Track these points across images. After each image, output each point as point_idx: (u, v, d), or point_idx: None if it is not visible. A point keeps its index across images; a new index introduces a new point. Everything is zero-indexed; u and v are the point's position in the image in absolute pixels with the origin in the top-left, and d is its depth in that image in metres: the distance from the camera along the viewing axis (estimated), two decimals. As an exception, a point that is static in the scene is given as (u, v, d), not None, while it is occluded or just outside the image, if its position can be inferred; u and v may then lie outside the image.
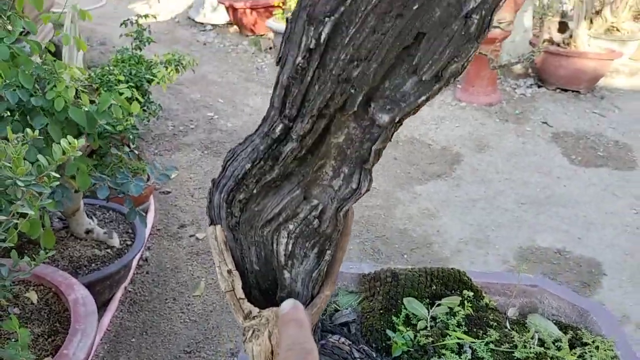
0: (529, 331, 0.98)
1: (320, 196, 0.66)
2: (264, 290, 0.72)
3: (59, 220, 2.29)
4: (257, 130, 0.64)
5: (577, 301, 1.04)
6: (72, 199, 2.15)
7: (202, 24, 6.17)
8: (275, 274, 0.70)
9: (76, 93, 1.95)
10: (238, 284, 0.67)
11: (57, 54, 2.21)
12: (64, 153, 1.09)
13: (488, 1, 0.51)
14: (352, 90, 0.58)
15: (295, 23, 0.56)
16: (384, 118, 0.58)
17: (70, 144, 1.09)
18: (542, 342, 0.94)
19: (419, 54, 0.55)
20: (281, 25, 5.01)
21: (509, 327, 1.01)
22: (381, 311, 1.00)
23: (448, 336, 0.93)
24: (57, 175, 1.10)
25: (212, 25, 6.11)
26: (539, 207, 3.12)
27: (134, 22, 2.96)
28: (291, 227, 0.67)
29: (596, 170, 3.54)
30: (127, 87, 2.07)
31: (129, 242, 2.20)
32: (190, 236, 2.72)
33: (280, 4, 5.31)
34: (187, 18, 6.42)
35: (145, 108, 2.77)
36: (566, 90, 4.58)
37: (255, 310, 0.66)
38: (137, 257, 2.27)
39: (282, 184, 0.66)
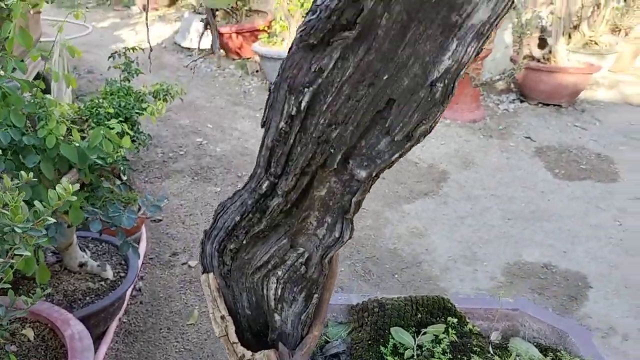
0: (510, 355, 1.02)
1: (306, 244, 0.71)
2: (255, 332, 0.76)
3: (53, 254, 2.31)
4: (245, 186, 0.69)
5: (556, 323, 1.09)
6: (65, 234, 2.17)
7: (188, 49, 6.24)
8: (266, 317, 0.74)
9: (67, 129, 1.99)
10: (231, 329, 0.72)
11: (46, 87, 2.25)
12: (59, 198, 1.13)
13: (450, 71, 0.57)
14: (332, 150, 0.63)
15: (277, 92, 0.61)
16: (362, 173, 0.63)
17: (65, 189, 1.13)
18: (524, 367, 0.99)
19: (390, 117, 0.60)
20: (267, 49, 5.09)
21: (491, 352, 1.05)
22: (369, 342, 1.04)
23: (434, 363, 0.98)
24: (53, 220, 1.14)
25: (199, 50, 6.18)
26: (524, 222, 3.19)
27: (121, 54, 3.01)
28: (280, 273, 0.71)
29: (579, 183, 3.62)
30: (118, 122, 2.11)
31: (122, 274, 2.23)
32: (183, 264, 2.75)
33: (266, 28, 5.39)
34: (173, 43, 6.50)
35: (134, 138, 2.81)
36: (548, 105, 4.69)
37: (249, 354, 0.71)
38: (131, 288, 2.29)
39: (270, 234, 0.71)
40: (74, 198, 1.15)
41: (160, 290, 2.54)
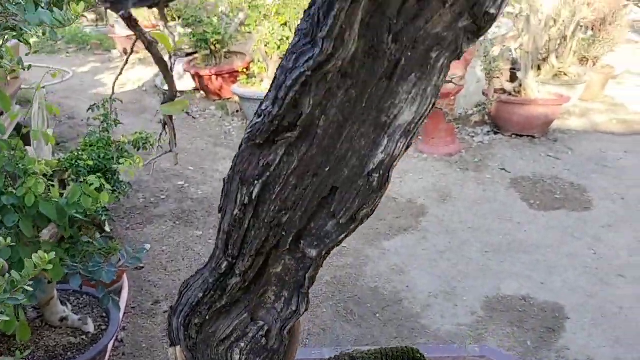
0: (476, 404, 1.07)
1: (265, 318, 0.75)
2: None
3: (33, 310, 2.31)
4: (206, 265, 0.74)
5: (521, 369, 1.14)
6: (46, 290, 2.19)
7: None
8: (232, 386, 0.78)
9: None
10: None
11: (26, 136, 2.28)
12: (35, 267, 1.17)
13: (384, 163, 0.64)
14: (283, 233, 0.68)
15: (230, 184, 0.67)
16: (313, 252, 0.68)
17: (41, 258, 1.17)
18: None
19: (334, 203, 0.66)
20: (246, 90, 5.19)
21: (459, 400, 1.10)
22: (341, 397, 1.08)
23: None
24: (30, 289, 1.17)
25: (180, 92, 6.25)
26: (502, 255, 3.25)
27: (99, 106, 3.07)
28: (242, 345, 0.76)
29: (554, 213, 3.71)
30: (96, 178, 2.14)
31: (103, 327, 2.24)
32: (165, 312, 2.75)
33: (244, 70, 5.50)
34: (154, 86, 6.57)
35: (115, 188, 2.85)
36: (521, 136, 4.82)
37: (215, 423, 0.74)
38: (112, 341, 2.29)
39: (232, 309, 0.76)
40: (50, 266, 1.18)
41: (143, 341, 2.54)
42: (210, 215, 3.75)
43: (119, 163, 2.79)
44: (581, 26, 5.95)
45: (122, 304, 2.64)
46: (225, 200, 0.69)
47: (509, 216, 3.68)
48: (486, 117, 5.11)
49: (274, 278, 0.71)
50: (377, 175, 0.64)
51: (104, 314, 2.31)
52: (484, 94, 4.97)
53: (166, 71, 0.92)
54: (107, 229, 2.50)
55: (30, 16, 1.19)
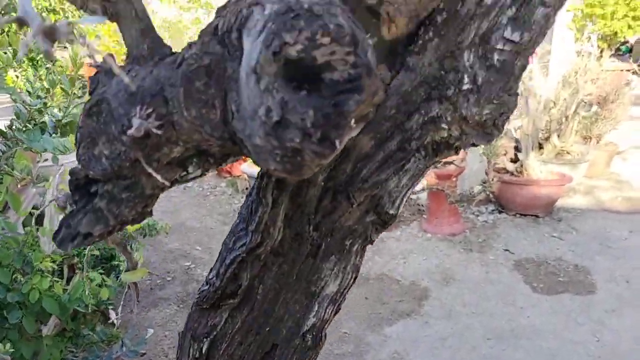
0: None
1: None
2: None
3: (32, 401, 2.35)
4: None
5: None
6: (45, 382, 2.23)
7: (182, 169, 6.54)
8: None
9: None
10: None
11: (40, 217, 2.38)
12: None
13: (316, 326, 0.72)
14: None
15: (184, 339, 0.76)
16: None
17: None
18: None
19: (275, 358, 0.74)
20: (254, 170, 5.36)
21: None
22: None
23: None
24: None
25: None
26: (504, 341, 3.22)
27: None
28: None
29: (558, 297, 3.69)
30: (98, 273, 2.24)
31: (100, 420, 2.26)
32: (164, 401, 2.76)
33: (253, 150, 5.70)
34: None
35: (118, 277, 2.94)
36: (525, 215, 4.86)
37: None
38: None
39: None
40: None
41: None
42: (214, 297, 3.79)
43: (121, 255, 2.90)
44: (585, 102, 6.11)
45: (121, 393, 2.66)
46: (179, 353, 0.78)
47: (512, 300, 3.67)
48: (490, 196, 5.18)
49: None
50: (311, 335, 0.73)
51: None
52: (486, 173, 5.07)
53: (124, 250, 1.02)
54: (113, 315, 2.57)
55: (35, 143, 1.32)
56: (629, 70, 9.97)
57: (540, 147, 5.39)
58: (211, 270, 0.77)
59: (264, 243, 0.71)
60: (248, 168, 5.46)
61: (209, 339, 0.74)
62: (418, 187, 4.73)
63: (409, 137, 0.67)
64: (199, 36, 0.53)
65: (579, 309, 3.55)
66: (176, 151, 0.59)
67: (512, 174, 4.90)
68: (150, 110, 0.53)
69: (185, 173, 0.63)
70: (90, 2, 0.61)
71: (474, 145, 0.70)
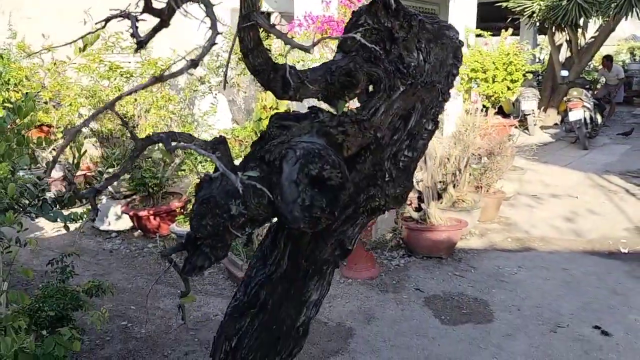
0: None
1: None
2: None
3: None
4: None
5: None
6: None
7: (107, 231, 6.64)
8: None
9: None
10: None
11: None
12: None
13: (305, 322, 1.16)
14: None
15: (218, 339, 1.16)
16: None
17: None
18: None
19: (279, 346, 1.16)
20: (183, 229, 5.64)
21: None
22: None
23: None
24: None
25: (117, 231, 6.60)
26: (420, 368, 3.72)
27: (58, 260, 3.44)
28: None
29: (462, 326, 4.28)
30: (68, 329, 2.49)
31: None
32: None
33: (181, 210, 5.99)
34: (91, 227, 6.87)
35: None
36: (431, 257, 5.51)
37: None
38: None
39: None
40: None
41: None
42: (154, 353, 4.00)
43: (76, 311, 3.13)
44: (475, 155, 7.03)
45: None
46: (213, 350, 1.17)
47: (424, 332, 4.20)
48: (400, 242, 5.81)
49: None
50: (302, 328, 1.15)
51: None
52: (395, 222, 5.70)
53: (185, 280, 1.40)
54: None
55: (47, 215, 1.66)
56: (511, 125, 11.38)
57: (440, 197, 6.14)
58: (236, 292, 1.17)
59: (277, 271, 1.14)
60: (176, 228, 5.73)
61: (236, 337, 1.13)
62: (337, 238, 5.24)
63: (358, 206, 1.15)
64: (245, 160, 0.98)
65: (480, 336, 4.15)
66: (241, 220, 1.02)
67: (417, 221, 5.56)
68: (238, 201, 0.97)
69: (244, 230, 1.06)
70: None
71: (392, 208, 1.19)
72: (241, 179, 0.88)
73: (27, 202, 1.64)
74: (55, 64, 8.08)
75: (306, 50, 1.07)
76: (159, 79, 1.10)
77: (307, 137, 0.97)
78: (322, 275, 1.20)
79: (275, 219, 1.10)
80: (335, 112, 1.07)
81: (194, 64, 1.01)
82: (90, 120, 1.13)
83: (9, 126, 1.53)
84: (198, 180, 1.08)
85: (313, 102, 1.17)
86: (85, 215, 1.86)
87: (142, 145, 1.05)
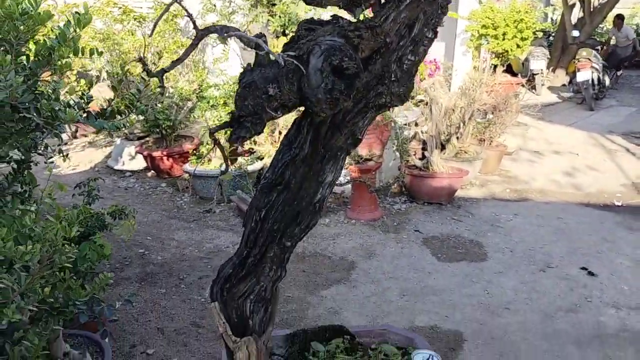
0: (380, 352, 1.78)
1: (264, 281, 1.47)
2: (240, 332, 1.49)
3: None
4: (235, 254, 1.45)
5: (407, 334, 1.87)
6: (54, 330, 2.71)
7: (121, 171, 6.91)
8: (245, 322, 1.48)
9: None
10: (228, 329, 1.45)
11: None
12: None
13: (321, 199, 1.40)
14: (275, 235, 1.43)
15: (250, 211, 1.41)
16: (288, 244, 1.43)
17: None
18: (386, 356, 1.74)
19: (299, 218, 1.40)
20: (196, 169, 5.89)
21: (369, 354, 1.81)
22: (298, 351, 1.77)
23: (335, 358, 1.71)
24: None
25: (131, 171, 6.88)
26: (416, 297, 4.03)
27: (85, 184, 3.71)
28: (252, 297, 1.46)
29: (457, 264, 4.57)
30: (98, 237, 2.76)
31: (99, 358, 2.77)
32: (142, 353, 3.29)
33: (194, 151, 6.23)
34: (106, 167, 7.15)
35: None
36: (431, 203, 5.77)
37: (237, 339, 1.43)
38: (107, 369, 2.82)
39: (247, 277, 1.47)
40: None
41: (126, 374, 3.06)
42: (170, 276, 4.32)
43: (101, 231, 3.42)
44: (480, 111, 7.18)
45: (106, 346, 3.16)
46: (245, 219, 1.41)
47: (421, 267, 4.50)
48: (403, 188, 6.06)
49: (269, 259, 1.42)
50: (319, 204, 1.40)
51: (98, 349, 2.85)
52: (399, 169, 5.94)
53: (226, 158, 1.63)
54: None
55: (94, 123, 1.89)
56: (518, 84, 11.44)
57: (443, 147, 6.34)
58: (265, 172, 1.41)
59: (300, 154, 1.37)
60: (190, 167, 5.98)
61: (265, 209, 1.38)
62: (343, 180, 5.50)
63: (367, 101, 1.38)
64: (283, 50, 1.21)
65: (474, 272, 4.44)
66: (275, 104, 1.25)
67: (420, 169, 5.79)
68: (275, 85, 1.19)
69: (276, 114, 1.29)
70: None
71: (395, 105, 1.42)
72: (282, 56, 1.11)
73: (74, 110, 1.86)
74: (68, 6, 8.18)
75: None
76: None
77: (329, 37, 1.20)
78: (337, 160, 1.44)
79: (301, 108, 1.33)
80: (353, 20, 1.30)
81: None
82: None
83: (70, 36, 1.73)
84: (242, 70, 1.31)
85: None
86: (127, 123, 2.09)
87: (202, 34, 1.27)
